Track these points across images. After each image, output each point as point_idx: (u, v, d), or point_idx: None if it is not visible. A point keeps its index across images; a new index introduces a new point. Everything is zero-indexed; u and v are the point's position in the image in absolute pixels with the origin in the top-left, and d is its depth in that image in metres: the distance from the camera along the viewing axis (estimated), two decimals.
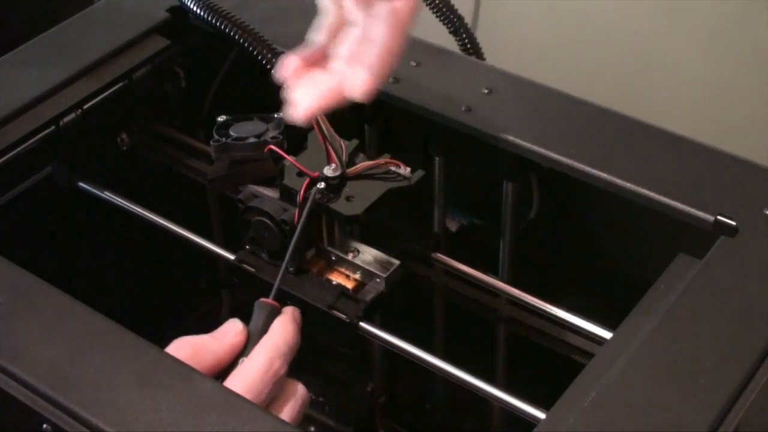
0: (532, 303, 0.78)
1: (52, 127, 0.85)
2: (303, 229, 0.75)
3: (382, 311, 0.80)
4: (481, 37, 0.93)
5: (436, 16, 0.90)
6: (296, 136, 0.81)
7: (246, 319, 0.72)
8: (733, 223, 0.73)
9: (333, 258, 0.80)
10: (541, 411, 0.68)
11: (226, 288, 1.11)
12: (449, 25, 0.90)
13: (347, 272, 0.79)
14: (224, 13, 0.88)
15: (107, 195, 0.89)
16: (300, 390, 0.69)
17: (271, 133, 0.79)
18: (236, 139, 0.79)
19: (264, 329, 0.70)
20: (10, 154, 0.82)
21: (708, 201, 0.74)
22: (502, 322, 0.89)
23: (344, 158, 0.78)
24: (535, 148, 0.79)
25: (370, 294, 0.78)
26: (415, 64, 0.87)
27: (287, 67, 0.68)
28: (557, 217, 0.92)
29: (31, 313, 0.68)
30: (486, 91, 0.84)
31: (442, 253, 0.82)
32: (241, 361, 0.69)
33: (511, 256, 0.90)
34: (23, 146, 0.83)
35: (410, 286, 0.82)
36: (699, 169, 0.77)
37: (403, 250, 0.81)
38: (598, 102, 0.83)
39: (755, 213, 0.73)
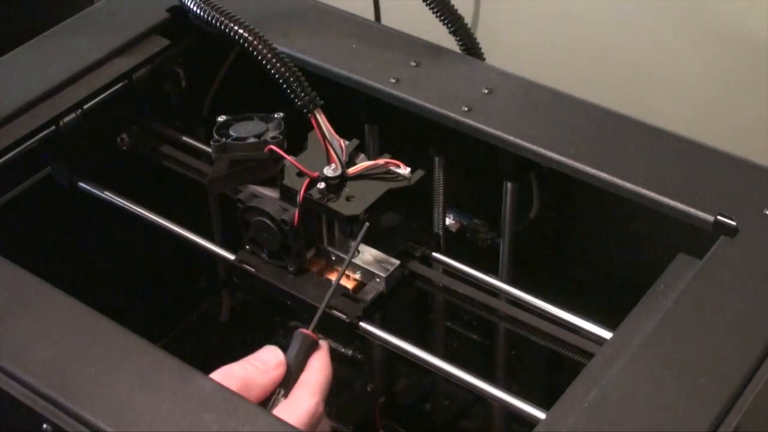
0: (532, 303, 0.78)
1: (52, 127, 0.85)
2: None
3: (382, 311, 0.80)
4: (481, 37, 0.93)
5: (436, 16, 0.90)
6: (296, 136, 0.81)
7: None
8: (733, 223, 0.73)
9: (333, 258, 0.80)
10: (541, 411, 0.68)
11: (226, 288, 1.11)
12: (449, 25, 0.90)
13: (347, 272, 0.79)
14: (224, 12, 0.88)
15: (107, 195, 0.89)
16: (328, 427, 0.70)
17: (271, 133, 0.79)
18: (236, 139, 0.79)
19: (303, 363, 0.70)
20: (10, 154, 0.82)
21: (708, 201, 0.74)
22: (502, 322, 0.89)
23: (344, 158, 0.78)
24: (535, 148, 0.79)
25: (370, 294, 0.78)
26: (415, 64, 0.87)
27: None
28: (557, 217, 0.92)
29: (31, 313, 0.69)
30: (486, 91, 0.84)
31: (442, 253, 0.82)
32: (279, 391, 0.68)
33: (511, 256, 0.90)
34: (23, 146, 0.83)
35: (410, 286, 0.82)
36: (699, 169, 0.77)
37: (403, 250, 0.81)
38: (598, 102, 0.83)
39: (755, 213, 0.73)
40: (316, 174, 0.77)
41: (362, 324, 0.76)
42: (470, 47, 0.91)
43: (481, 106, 0.83)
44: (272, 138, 0.78)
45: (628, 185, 0.76)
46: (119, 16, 0.94)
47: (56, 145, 0.86)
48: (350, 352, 1.07)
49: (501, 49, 1.00)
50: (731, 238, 0.72)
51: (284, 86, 0.77)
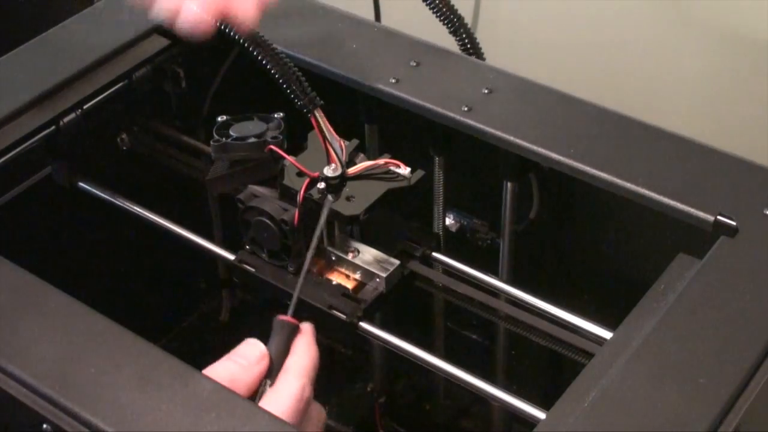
0: (532, 303, 0.78)
1: (52, 127, 0.85)
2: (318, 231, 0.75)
3: (382, 311, 0.80)
4: (481, 37, 0.93)
5: (436, 16, 0.90)
6: (296, 136, 0.81)
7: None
8: (733, 223, 0.73)
9: (333, 258, 0.80)
10: (541, 411, 0.68)
11: (226, 288, 1.11)
12: (449, 25, 0.90)
13: (347, 272, 0.79)
14: None
15: (107, 195, 0.89)
16: (321, 412, 0.69)
17: (271, 133, 0.79)
18: (236, 139, 0.79)
19: (286, 350, 0.69)
20: (10, 154, 0.82)
21: (708, 201, 0.74)
22: (502, 322, 0.89)
23: (344, 158, 0.78)
24: (535, 148, 0.79)
25: (370, 294, 0.78)
26: (415, 64, 0.87)
27: None
28: (557, 217, 0.92)
29: (31, 313, 0.68)
30: (486, 91, 0.84)
31: (442, 253, 0.82)
32: (265, 382, 0.68)
33: (511, 256, 0.90)
34: (23, 146, 0.83)
35: (410, 286, 0.82)
36: (699, 169, 0.77)
37: (403, 250, 0.81)
38: (599, 102, 0.83)
39: (755, 213, 0.73)
40: (316, 174, 0.78)
41: (362, 324, 0.76)
42: (470, 47, 0.91)
43: (481, 106, 0.83)
44: (272, 138, 0.78)
45: (628, 185, 0.76)
46: (119, 16, 0.94)
47: (56, 145, 0.86)
48: (350, 352, 1.07)
49: (501, 49, 1.00)
50: (731, 238, 0.72)
51: (284, 86, 0.77)
